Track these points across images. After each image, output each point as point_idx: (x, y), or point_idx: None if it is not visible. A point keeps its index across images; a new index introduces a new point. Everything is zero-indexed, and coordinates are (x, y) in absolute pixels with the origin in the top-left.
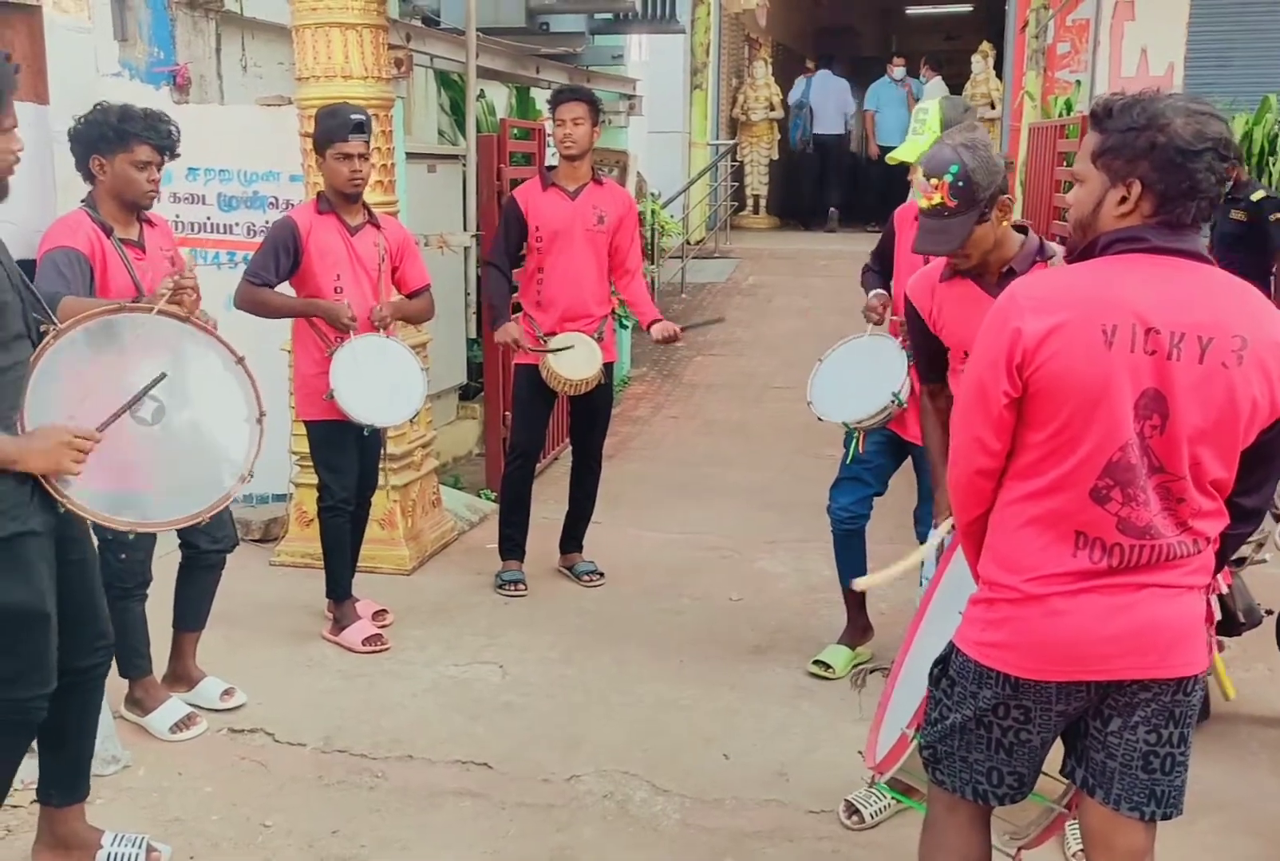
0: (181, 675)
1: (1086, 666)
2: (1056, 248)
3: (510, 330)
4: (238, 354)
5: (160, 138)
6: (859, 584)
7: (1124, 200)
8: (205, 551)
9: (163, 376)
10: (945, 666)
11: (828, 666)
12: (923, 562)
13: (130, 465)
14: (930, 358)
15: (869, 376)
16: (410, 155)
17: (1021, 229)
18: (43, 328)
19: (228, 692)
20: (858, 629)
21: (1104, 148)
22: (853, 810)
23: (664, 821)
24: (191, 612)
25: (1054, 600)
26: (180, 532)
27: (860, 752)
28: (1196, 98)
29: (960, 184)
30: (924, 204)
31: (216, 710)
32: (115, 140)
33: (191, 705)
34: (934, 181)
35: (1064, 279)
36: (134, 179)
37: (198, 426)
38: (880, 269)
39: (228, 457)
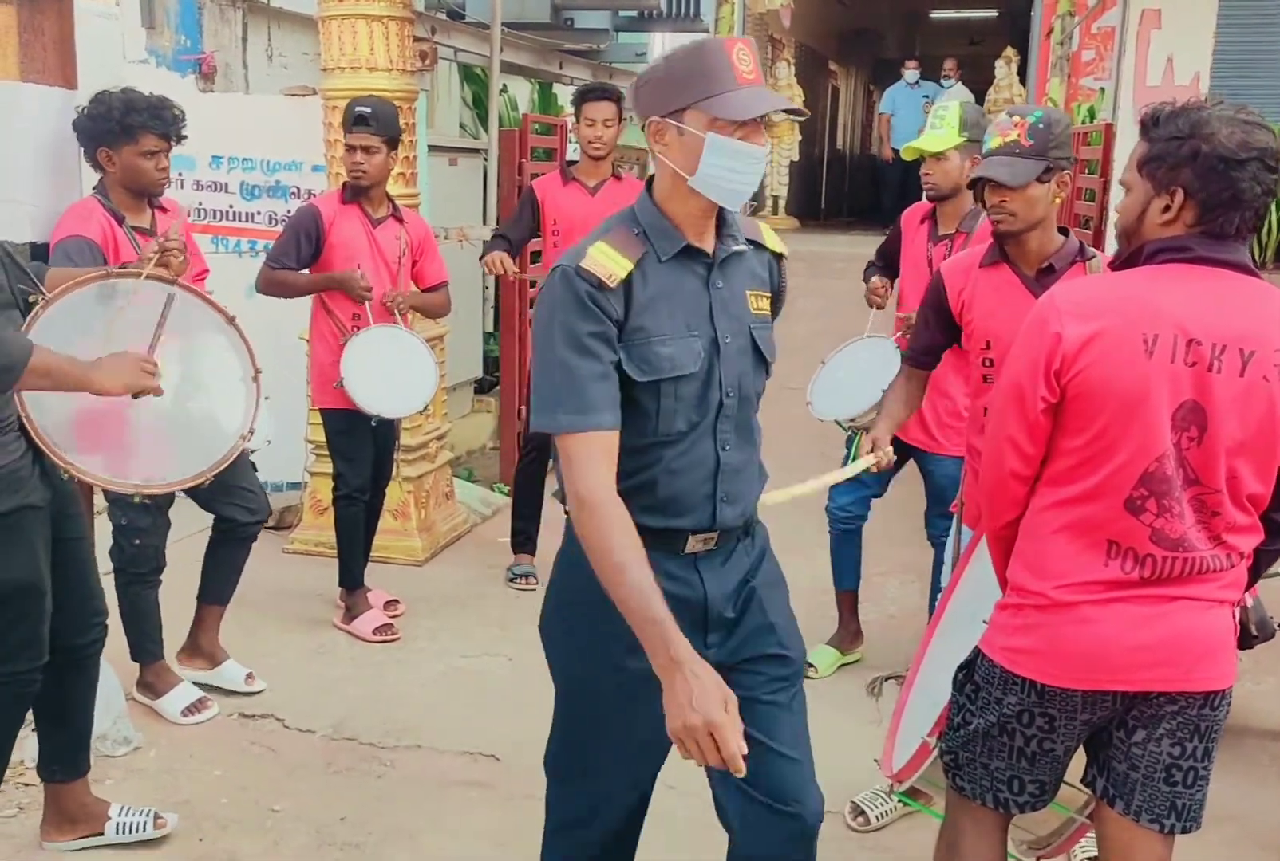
0: (205, 649)
1: (1114, 676)
2: (1097, 251)
3: (496, 255)
4: (228, 314)
5: (165, 125)
6: (765, 499)
7: (1167, 209)
8: (244, 524)
9: (172, 297)
10: (970, 671)
11: (811, 665)
12: (939, 569)
13: (131, 429)
14: (929, 343)
15: (865, 376)
16: (432, 148)
17: (1063, 230)
18: (31, 298)
19: (251, 676)
20: (849, 633)
21: (1149, 156)
22: (858, 812)
23: (670, 817)
24: (219, 586)
25: (1084, 608)
26: (216, 508)
27: (876, 761)
28: (1244, 107)
29: (1041, 126)
30: (995, 142)
31: (238, 693)
32: (121, 133)
33: (213, 687)
34: (1015, 119)
35: (1107, 286)
36: (143, 169)
37: (194, 387)
38: (884, 266)
39: (226, 417)
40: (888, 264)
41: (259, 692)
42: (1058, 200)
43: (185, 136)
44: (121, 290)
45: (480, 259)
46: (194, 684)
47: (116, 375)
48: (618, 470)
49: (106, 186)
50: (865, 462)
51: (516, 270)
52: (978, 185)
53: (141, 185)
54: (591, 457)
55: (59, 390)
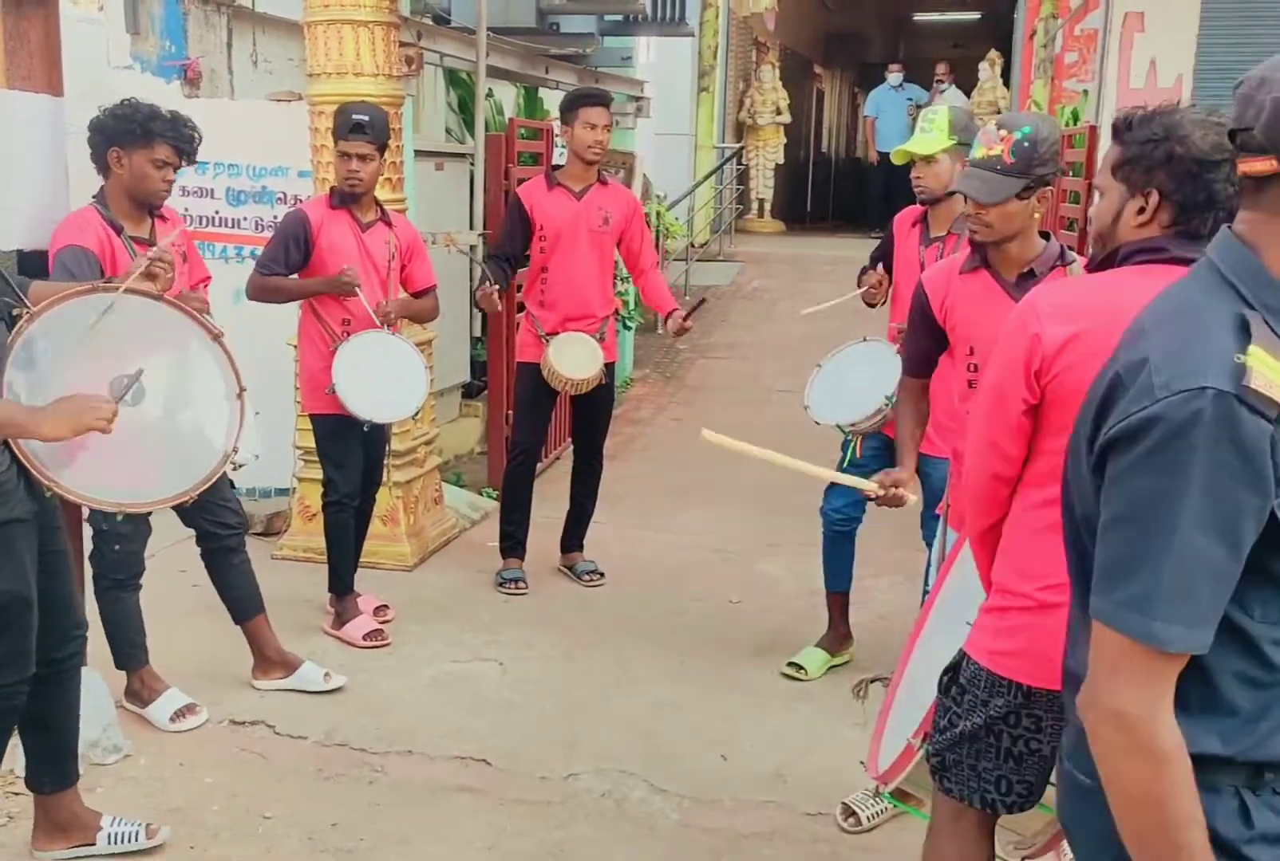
0: (275, 659)
1: None
2: (1077, 256)
3: (486, 292)
4: (214, 330)
5: (183, 141)
6: (707, 434)
7: (1142, 210)
8: (224, 536)
9: (140, 372)
10: (955, 674)
11: (801, 668)
12: (926, 572)
13: (113, 447)
14: (920, 352)
15: (864, 381)
16: (418, 153)
17: (1044, 235)
18: (15, 311)
19: (328, 674)
20: (838, 635)
21: (1123, 159)
22: (849, 813)
23: (661, 821)
24: (242, 603)
25: (1068, 609)
26: (195, 522)
27: (862, 762)
28: (1215, 110)
29: (1026, 144)
30: (980, 153)
31: (321, 691)
32: (140, 136)
33: (296, 690)
34: (1002, 133)
35: (1084, 288)
36: (150, 176)
37: (179, 405)
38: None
39: (210, 435)
40: (882, 269)
41: (339, 689)
42: (1038, 214)
43: (195, 160)
44: (107, 304)
45: (475, 290)
46: (282, 690)
47: (62, 419)
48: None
49: (106, 195)
50: (867, 485)
51: (502, 308)
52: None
53: (144, 193)
54: (1164, 681)
55: (6, 437)
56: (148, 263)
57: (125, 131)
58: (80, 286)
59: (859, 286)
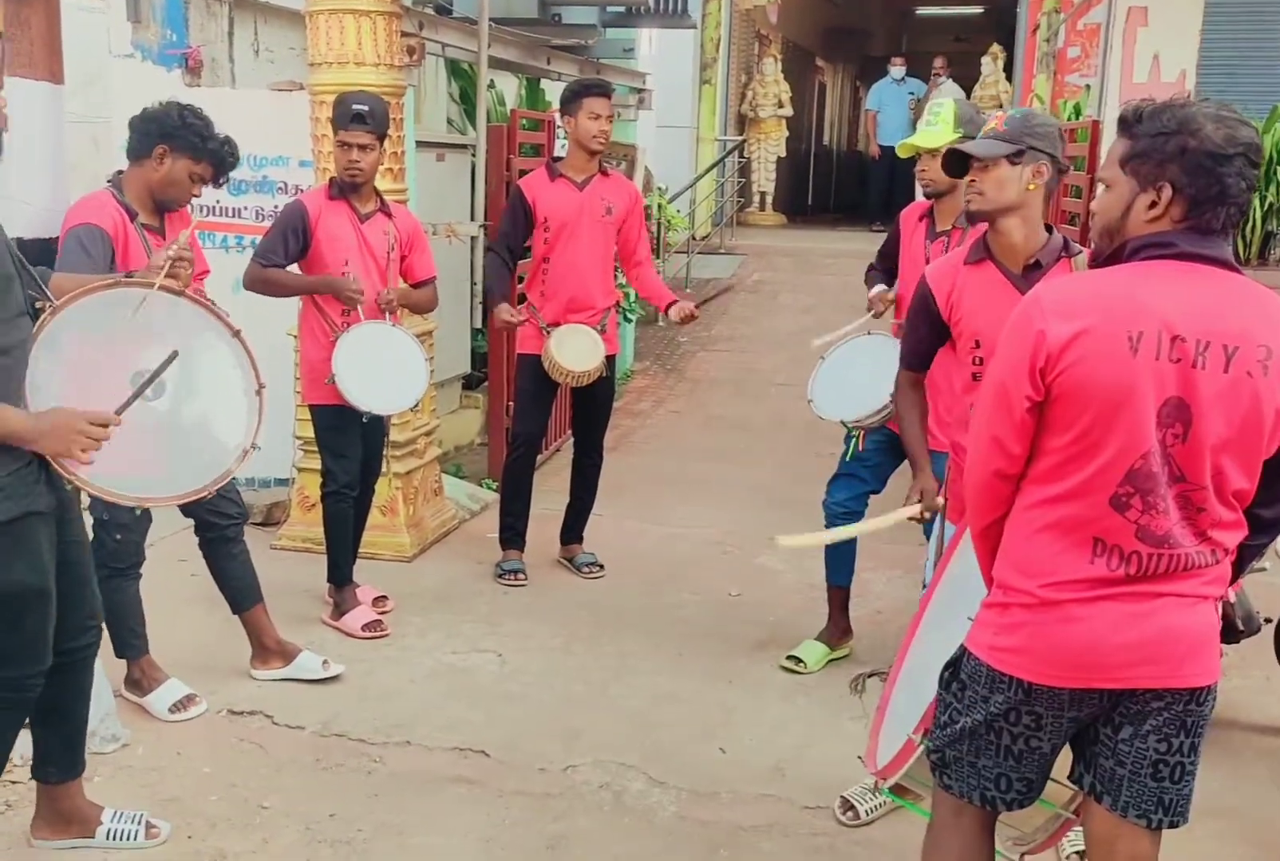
0: (273, 649)
1: (1101, 674)
2: (1082, 247)
3: (502, 312)
4: (234, 327)
5: (225, 167)
6: (782, 541)
7: (1154, 205)
8: (224, 526)
9: (175, 355)
10: (956, 669)
11: (800, 661)
12: (926, 564)
13: (133, 441)
14: (921, 346)
15: (869, 376)
16: (420, 143)
17: (1047, 227)
18: (38, 305)
19: (326, 662)
20: (838, 629)
21: (1133, 152)
22: (848, 806)
23: (660, 813)
24: (240, 592)
25: (1070, 606)
26: (195, 512)
27: (860, 758)
28: (1225, 105)
29: (1018, 116)
30: (979, 134)
31: (320, 681)
32: (196, 148)
33: (295, 680)
34: (998, 113)
35: (1090, 283)
36: (182, 184)
37: (196, 399)
38: (885, 269)
39: (229, 431)
40: (889, 266)
41: (337, 678)
42: (1032, 187)
43: (221, 184)
44: (129, 299)
45: (489, 312)
46: (280, 680)
47: (53, 439)
48: None
49: (125, 180)
50: (909, 511)
51: (524, 318)
52: (950, 164)
53: (167, 196)
54: None
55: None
56: (170, 261)
57: (185, 137)
58: (103, 281)
59: (866, 285)
